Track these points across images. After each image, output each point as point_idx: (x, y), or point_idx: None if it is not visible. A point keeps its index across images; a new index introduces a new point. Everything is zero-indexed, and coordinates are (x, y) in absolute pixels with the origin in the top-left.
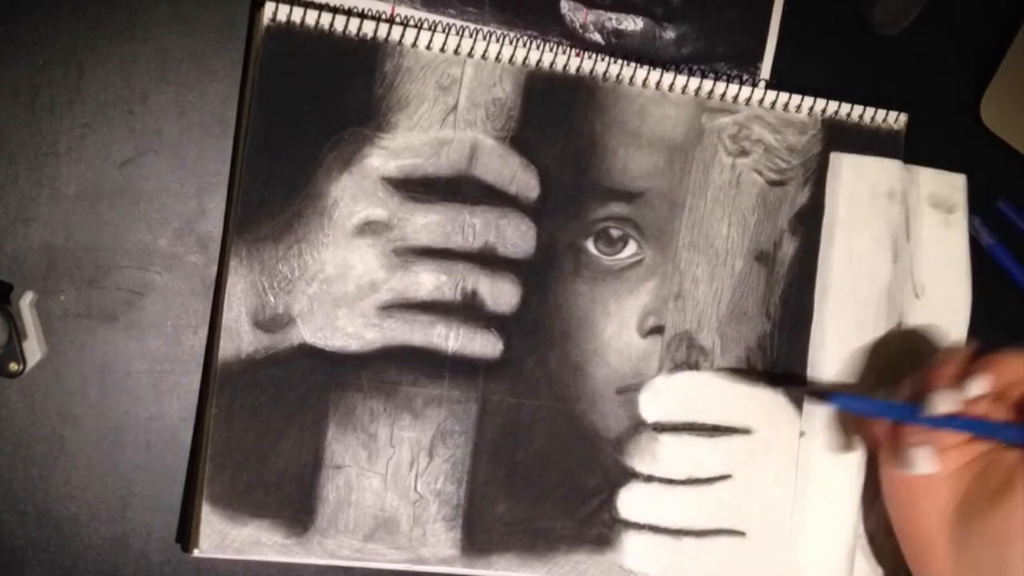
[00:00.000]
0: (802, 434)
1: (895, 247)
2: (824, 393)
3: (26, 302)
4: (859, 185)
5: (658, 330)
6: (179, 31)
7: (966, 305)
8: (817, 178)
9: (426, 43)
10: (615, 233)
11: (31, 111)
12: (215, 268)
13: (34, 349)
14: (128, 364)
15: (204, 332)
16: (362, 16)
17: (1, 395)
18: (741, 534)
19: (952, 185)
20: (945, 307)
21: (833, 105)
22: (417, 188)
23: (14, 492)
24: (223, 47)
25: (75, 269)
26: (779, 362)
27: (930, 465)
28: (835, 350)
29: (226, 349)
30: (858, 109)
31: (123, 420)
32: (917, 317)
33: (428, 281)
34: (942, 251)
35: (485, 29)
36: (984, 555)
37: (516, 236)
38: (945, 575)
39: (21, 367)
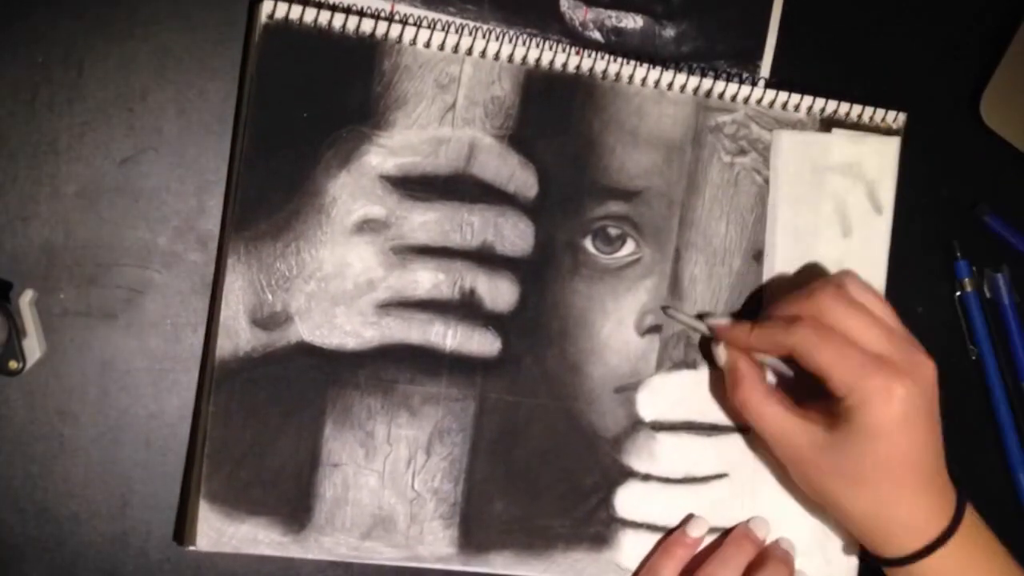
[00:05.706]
0: None
1: (846, 222)
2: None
3: (26, 300)
4: (801, 160)
5: (656, 329)
6: (179, 29)
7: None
8: None
9: (425, 41)
10: (613, 232)
11: (31, 109)
12: (214, 266)
13: (34, 347)
14: (128, 362)
15: (204, 330)
16: (361, 14)
17: (1, 393)
18: None
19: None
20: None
21: (832, 104)
22: (415, 186)
23: (14, 490)
24: (222, 45)
25: (75, 267)
26: None
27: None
28: None
29: (224, 347)
30: (857, 108)
31: (122, 418)
32: None
33: (426, 279)
34: None
35: (484, 27)
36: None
37: (514, 234)
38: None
39: (21, 365)
